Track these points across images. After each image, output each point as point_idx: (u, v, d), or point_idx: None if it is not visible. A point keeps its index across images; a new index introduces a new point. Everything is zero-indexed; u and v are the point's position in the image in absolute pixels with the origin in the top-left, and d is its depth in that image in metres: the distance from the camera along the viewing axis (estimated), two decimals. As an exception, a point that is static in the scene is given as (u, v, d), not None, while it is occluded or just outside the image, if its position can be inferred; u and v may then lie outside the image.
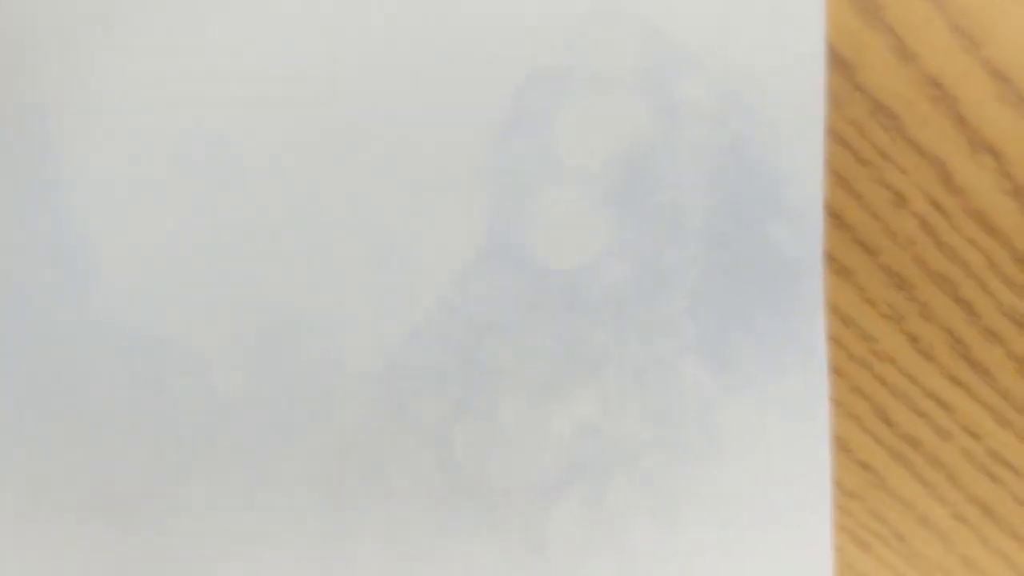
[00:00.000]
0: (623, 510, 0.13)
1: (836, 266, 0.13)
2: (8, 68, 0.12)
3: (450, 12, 0.12)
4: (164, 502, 0.12)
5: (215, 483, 0.12)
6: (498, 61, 0.12)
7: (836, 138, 0.13)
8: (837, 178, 0.13)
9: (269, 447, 0.12)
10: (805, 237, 0.13)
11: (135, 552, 0.13)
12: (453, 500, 0.13)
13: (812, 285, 0.13)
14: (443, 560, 0.13)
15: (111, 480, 0.12)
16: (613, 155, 0.12)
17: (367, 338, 0.12)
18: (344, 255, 0.12)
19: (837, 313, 0.14)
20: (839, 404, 0.14)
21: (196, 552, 0.13)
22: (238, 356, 0.12)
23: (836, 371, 0.14)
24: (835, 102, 0.13)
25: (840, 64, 0.13)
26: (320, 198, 0.12)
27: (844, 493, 0.14)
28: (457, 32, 0.12)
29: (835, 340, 0.14)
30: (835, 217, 0.13)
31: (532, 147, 0.12)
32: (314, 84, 0.12)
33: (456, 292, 0.12)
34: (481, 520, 0.13)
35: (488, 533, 0.13)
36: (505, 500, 0.13)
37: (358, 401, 0.12)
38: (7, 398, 0.12)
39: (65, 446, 0.12)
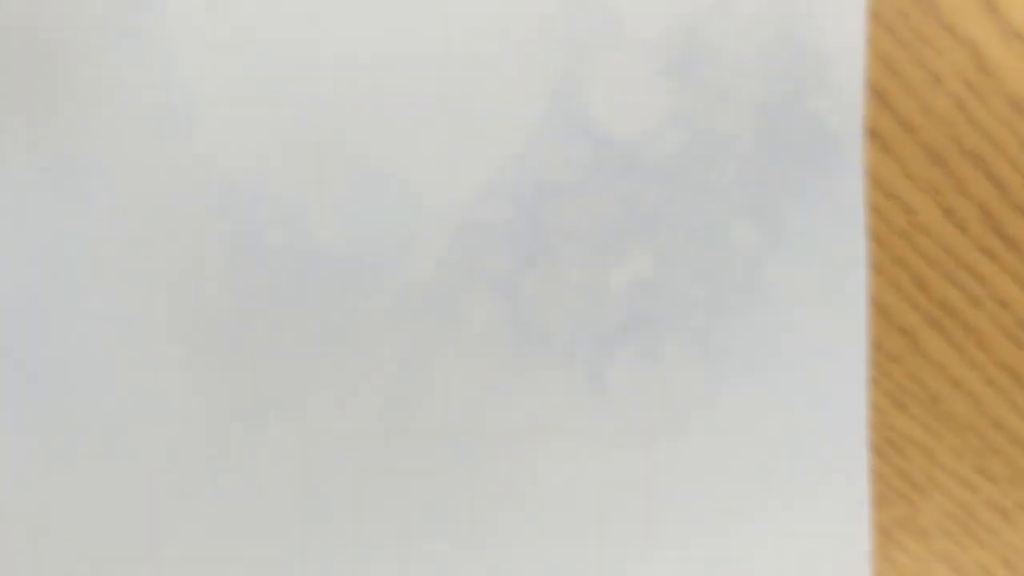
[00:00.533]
0: (675, 360, 0.14)
1: (878, 142, 0.15)
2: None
3: None
4: (259, 341, 0.14)
5: (305, 324, 0.14)
6: None
7: (878, 21, 0.14)
8: (878, 59, 0.14)
9: (357, 290, 0.14)
10: (847, 112, 0.14)
11: (231, 389, 0.14)
12: (521, 345, 0.14)
13: (852, 156, 0.14)
14: (513, 396, 0.14)
15: (210, 317, 0.14)
16: (672, 28, 0.14)
17: (443, 193, 0.14)
18: (422, 112, 0.13)
19: (879, 186, 0.15)
20: (879, 272, 0.15)
21: (286, 387, 0.14)
22: (329, 201, 0.13)
23: (877, 241, 0.15)
24: None
25: None
26: (402, 57, 0.13)
27: (884, 356, 0.15)
28: None
29: (876, 211, 0.15)
30: (877, 95, 0.14)
31: (597, 18, 0.13)
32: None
33: (524, 153, 0.14)
34: (547, 363, 0.14)
35: (554, 374, 0.14)
36: (569, 347, 0.14)
37: (436, 251, 0.14)
38: (118, 238, 0.14)
39: (167, 284, 0.14)
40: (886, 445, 0.15)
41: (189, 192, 0.14)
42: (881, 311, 0.15)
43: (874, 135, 0.15)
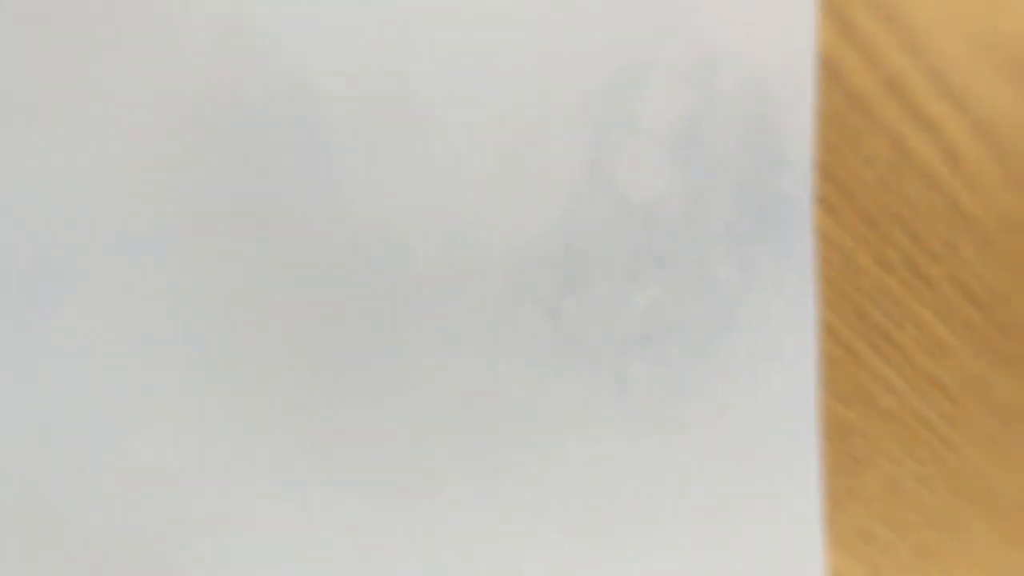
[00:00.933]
0: (680, 367, 0.20)
1: (824, 206, 0.20)
2: None
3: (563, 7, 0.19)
4: (348, 351, 0.19)
5: (401, 330, 0.19)
6: (594, 54, 0.19)
7: (822, 117, 0.20)
8: (824, 145, 0.20)
9: (442, 305, 0.19)
10: (801, 184, 0.19)
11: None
12: (562, 352, 0.19)
13: (805, 217, 0.19)
14: (556, 391, 0.19)
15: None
16: (674, 122, 0.19)
17: (508, 237, 0.19)
18: (494, 173, 0.19)
19: (825, 239, 0.20)
20: (826, 301, 0.20)
21: (369, 386, 0.19)
22: (421, 240, 0.18)
23: (824, 279, 0.20)
24: (821, 95, 0.20)
25: (825, 70, 0.19)
26: (480, 127, 0.18)
27: (829, 364, 0.20)
28: (567, 22, 0.19)
29: (823, 257, 0.20)
30: (823, 172, 0.20)
31: (619, 114, 0.19)
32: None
33: (568, 209, 0.19)
34: (582, 366, 0.19)
35: (587, 375, 0.19)
36: (599, 354, 0.19)
37: (502, 278, 0.19)
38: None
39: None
40: (833, 432, 0.21)
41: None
42: (827, 330, 0.20)
43: (821, 201, 0.20)
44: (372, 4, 0.18)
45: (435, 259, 0.18)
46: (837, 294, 0.20)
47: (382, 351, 0.19)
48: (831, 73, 0.20)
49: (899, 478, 0.21)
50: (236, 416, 0.18)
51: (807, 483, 0.20)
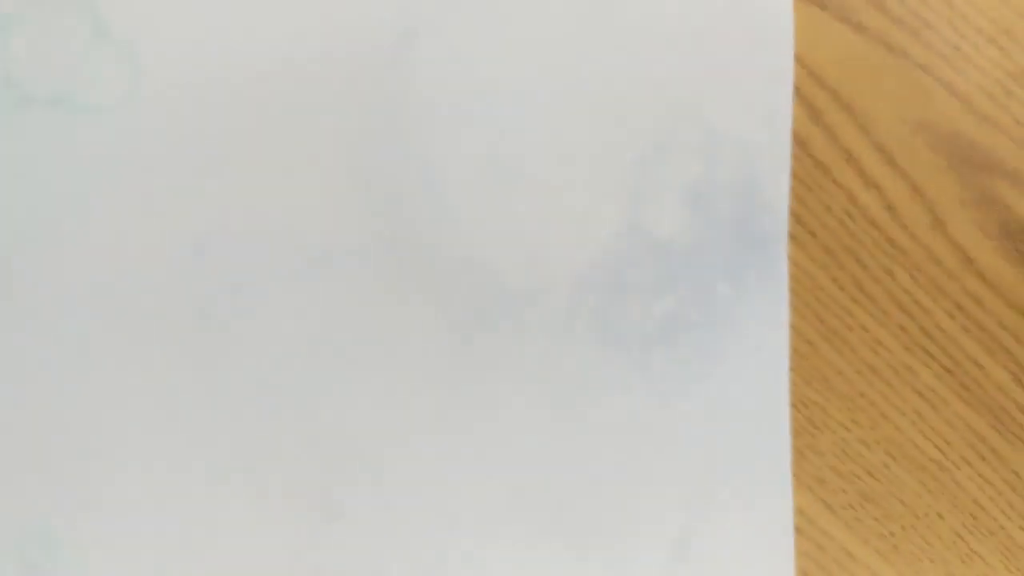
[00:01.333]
0: (688, 355, 0.27)
1: (795, 242, 0.27)
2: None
3: (606, 91, 0.26)
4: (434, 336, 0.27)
5: (486, 331, 0.27)
6: (633, 137, 0.26)
7: (794, 175, 0.27)
8: (795, 195, 0.27)
9: (522, 312, 0.27)
10: (778, 224, 0.27)
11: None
12: (603, 344, 0.27)
13: (781, 249, 0.27)
14: (599, 374, 0.27)
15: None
16: (687, 183, 0.26)
17: (570, 263, 0.27)
18: (551, 216, 0.26)
19: (795, 264, 0.28)
20: (795, 311, 0.28)
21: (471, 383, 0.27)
22: (506, 264, 0.26)
23: (794, 293, 0.28)
24: (795, 162, 0.27)
25: (798, 145, 0.27)
26: (544, 187, 0.26)
27: (797, 356, 0.28)
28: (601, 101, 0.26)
29: (793, 277, 0.28)
30: (793, 215, 0.27)
31: (649, 177, 0.26)
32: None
33: (610, 244, 0.27)
34: (617, 354, 0.27)
35: (621, 361, 0.27)
36: (630, 345, 0.27)
37: (563, 293, 0.26)
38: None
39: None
40: (798, 404, 0.28)
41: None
42: (795, 330, 0.28)
43: (793, 238, 0.27)
44: (479, 103, 0.26)
45: (518, 279, 0.26)
46: (803, 304, 0.28)
47: (483, 337, 0.26)
48: (802, 146, 0.27)
49: (847, 440, 0.29)
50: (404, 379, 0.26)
51: (780, 440, 0.28)
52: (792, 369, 0.28)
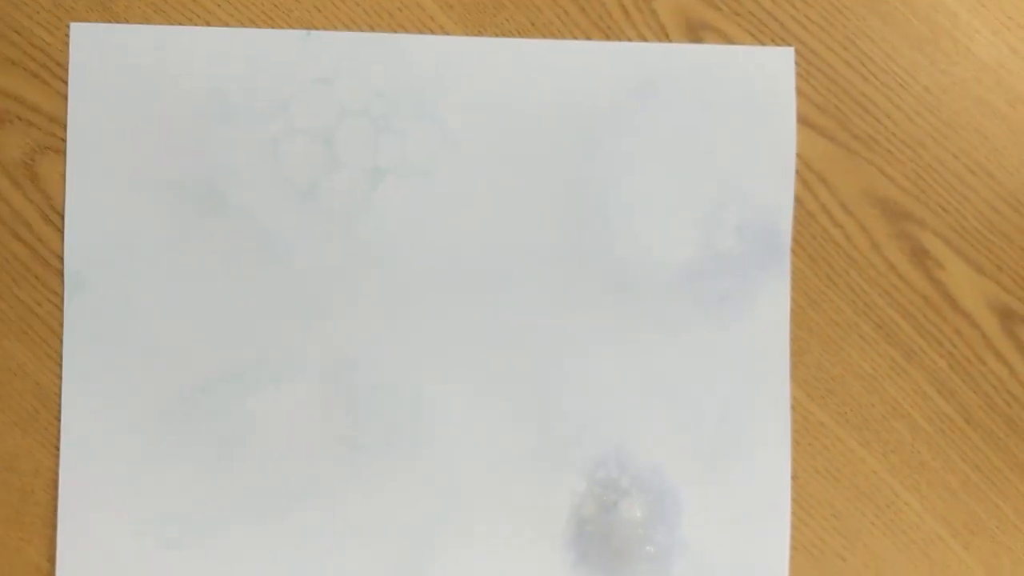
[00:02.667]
0: (727, 323, 0.51)
1: (793, 252, 0.51)
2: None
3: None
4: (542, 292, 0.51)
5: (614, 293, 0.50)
6: (705, 197, 0.50)
7: (796, 220, 0.51)
8: (796, 230, 0.51)
9: (638, 281, 0.50)
10: (784, 246, 0.50)
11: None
12: (687, 306, 0.51)
13: (786, 259, 0.50)
14: (680, 332, 0.51)
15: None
16: (735, 221, 0.50)
17: (667, 261, 0.50)
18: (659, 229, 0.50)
19: (795, 279, 0.51)
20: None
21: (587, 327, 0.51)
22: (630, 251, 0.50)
23: (793, 301, 0.51)
24: (796, 210, 0.51)
25: (797, 202, 0.51)
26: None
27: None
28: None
29: (794, 285, 0.51)
30: (794, 240, 0.51)
31: (715, 217, 0.50)
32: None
33: (693, 252, 0.50)
34: (697, 317, 0.51)
35: (698, 321, 0.51)
36: (707, 310, 0.51)
37: (663, 278, 0.50)
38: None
39: None
40: (794, 348, 0.52)
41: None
42: (793, 316, 0.51)
43: (793, 251, 0.51)
44: (636, 173, 0.50)
45: (647, 269, 0.50)
46: (796, 287, 0.51)
47: (625, 302, 0.50)
48: (799, 202, 0.51)
49: (826, 364, 0.52)
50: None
51: (781, 377, 0.51)
52: (789, 335, 0.52)
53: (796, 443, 0.51)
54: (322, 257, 0.50)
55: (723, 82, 0.51)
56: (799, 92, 0.51)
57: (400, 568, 0.49)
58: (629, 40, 0.51)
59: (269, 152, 0.50)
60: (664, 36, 0.51)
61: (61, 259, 0.50)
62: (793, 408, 0.51)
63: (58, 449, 0.49)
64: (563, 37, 0.51)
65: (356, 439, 0.50)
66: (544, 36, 0.51)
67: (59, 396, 0.49)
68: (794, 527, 0.50)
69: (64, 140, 0.50)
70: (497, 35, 0.51)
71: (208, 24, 0.50)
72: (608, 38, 0.51)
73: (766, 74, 0.51)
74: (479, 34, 0.51)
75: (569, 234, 0.51)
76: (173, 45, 0.50)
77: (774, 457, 0.51)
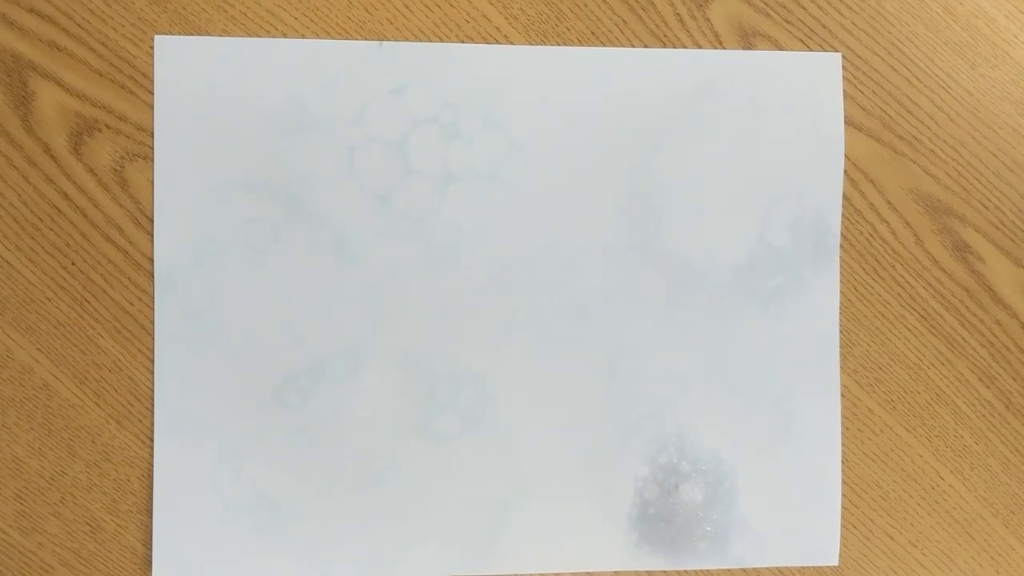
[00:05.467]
0: (787, 311, 0.54)
1: (842, 249, 0.54)
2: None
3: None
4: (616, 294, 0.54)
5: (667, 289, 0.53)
6: (761, 197, 0.53)
7: (844, 217, 0.53)
8: (844, 227, 0.54)
9: (694, 282, 0.53)
10: (833, 243, 0.53)
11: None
12: (741, 301, 0.53)
13: (835, 254, 0.53)
14: (730, 323, 0.54)
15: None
16: (789, 218, 0.53)
17: (726, 259, 0.53)
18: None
19: (843, 276, 0.54)
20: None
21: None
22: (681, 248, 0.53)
23: (842, 294, 0.54)
24: (844, 210, 0.53)
25: (846, 200, 0.53)
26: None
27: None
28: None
29: (842, 281, 0.54)
30: (843, 237, 0.54)
31: (770, 215, 0.53)
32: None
33: (750, 250, 0.53)
34: (748, 307, 0.53)
35: (751, 314, 0.54)
36: (766, 303, 0.54)
37: (723, 276, 0.53)
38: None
39: None
40: (842, 340, 0.54)
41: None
42: (843, 329, 0.54)
43: (842, 247, 0.54)
44: (690, 184, 0.53)
45: (704, 265, 0.53)
46: (845, 282, 0.54)
47: (683, 295, 0.53)
48: (847, 200, 0.54)
49: (874, 353, 0.55)
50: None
51: (831, 366, 0.54)
52: (839, 324, 0.55)
53: (846, 428, 0.54)
54: (397, 257, 0.53)
55: (774, 87, 0.54)
56: (846, 95, 0.54)
57: (475, 545, 0.52)
58: (685, 47, 0.53)
59: (345, 159, 0.53)
60: (718, 43, 0.53)
61: (151, 261, 0.52)
62: (843, 395, 0.54)
63: (152, 441, 0.52)
64: (622, 45, 0.53)
65: (432, 426, 0.53)
66: (604, 44, 0.53)
67: (152, 391, 0.52)
68: (844, 507, 0.53)
69: (151, 147, 0.52)
70: (559, 44, 0.53)
71: (285, 36, 0.53)
72: (664, 46, 0.53)
73: (815, 79, 0.54)
74: (542, 43, 0.53)
75: (631, 233, 0.53)
76: (252, 56, 0.53)
77: (825, 441, 0.54)
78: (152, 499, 0.52)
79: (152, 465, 0.52)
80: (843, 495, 0.53)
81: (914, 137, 0.53)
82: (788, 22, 0.53)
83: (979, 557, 0.52)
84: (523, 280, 0.53)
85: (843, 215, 0.53)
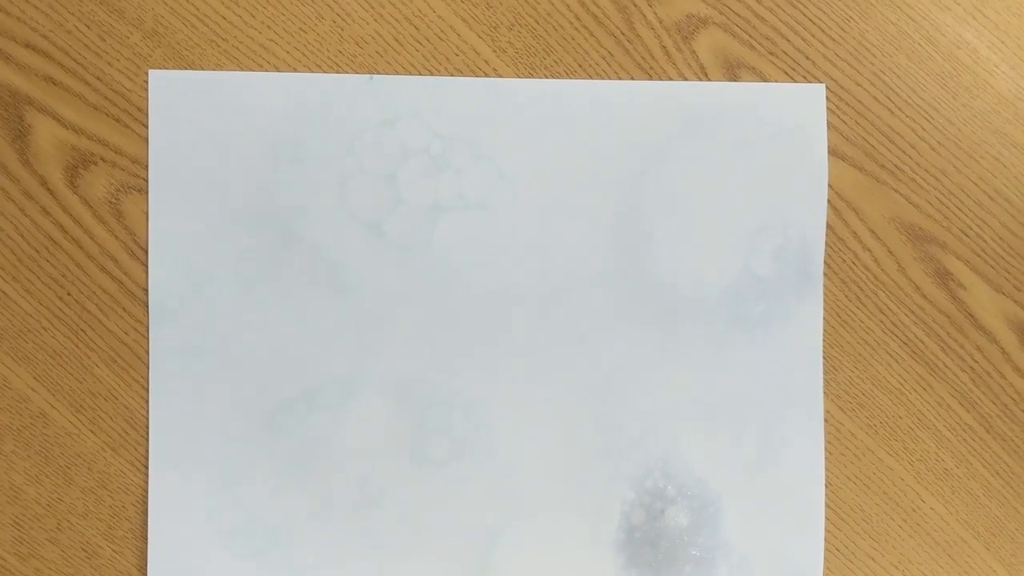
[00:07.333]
0: (770, 333, 0.55)
1: (826, 286, 0.55)
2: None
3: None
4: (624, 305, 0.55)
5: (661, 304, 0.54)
6: (746, 225, 0.54)
7: (828, 245, 0.54)
8: (827, 255, 0.55)
9: (687, 303, 0.54)
10: (817, 273, 0.54)
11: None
12: (728, 327, 0.55)
13: (818, 284, 0.54)
14: (721, 342, 0.55)
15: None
16: (772, 246, 0.54)
17: (714, 283, 0.54)
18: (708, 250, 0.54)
19: (826, 301, 0.55)
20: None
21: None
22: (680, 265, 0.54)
23: (824, 319, 0.55)
24: (827, 237, 0.54)
25: (829, 230, 0.54)
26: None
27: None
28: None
29: (824, 305, 0.55)
30: (826, 265, 0.55)
31: (754, 243, 0.54)
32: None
33: (735, 278, 0.54)
34: (739, 332, 0.54)
35: (738, 336, 0.55)
36: (749, 324, 0.55)
37: (711, 301, 0.54)
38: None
39: None
40: (825, 365, 0.56)
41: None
42: (826, 355, 0.55)
43: (825, 275, 0.55)
44: (678, 212, 0.54)
45: (691, 293, 0.54)
46: (828, 308, 0.55)
47: (671, 322, 0.54)
48: (830, 229, 0.55)
49: (856, 379, 0.56)
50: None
51: (815, 391, 0.55)
52: (821, 350, 0.56)
53: (829, 453, 0.55)
54: (389, 286, 0.54)
55: (759, 117, 0.55)
56: (830, 126, 0.55)
57: (466, 568, 0.53)
58: (671, 79, 0.54)
59: (337, 190, 0.54)
60: (704, 75, 0.54)
61: (146, 291, 0.53)
62: (826, 420, 0.55)
63: (147, 468, 0.53)
64: (609, 78, 0.54)
65: (423, 452, 0.54)
66: (591, 77, 0.54)
67: (146, 419, 0.53)
68: (828, 530, 0.54)
69: (146, 180, 0.53)
70: (547, 77, 0.54)
71: (277, 70, 0.54)
72: (651, 78, 0.54)
73: (799, 109, 0.55)
74: (530, 76, 0.54)
75: (618, 261, 0.54)
76: (245, 90, 0.54)
77: (809, 466, 0.55)
78: (147, 525, 0.53)
79: (147, 492, 0.53)
80: (826, 518, 0.54)
81: (896, 166, 0.54)
82: (772, 54, 0.54)
83: (960, 580, 0.53)
84: (513, 308, 0.54)
85: (827, 243, 0.54)
